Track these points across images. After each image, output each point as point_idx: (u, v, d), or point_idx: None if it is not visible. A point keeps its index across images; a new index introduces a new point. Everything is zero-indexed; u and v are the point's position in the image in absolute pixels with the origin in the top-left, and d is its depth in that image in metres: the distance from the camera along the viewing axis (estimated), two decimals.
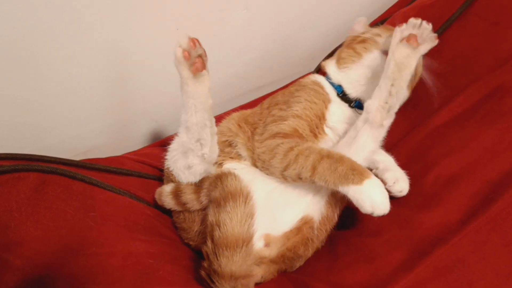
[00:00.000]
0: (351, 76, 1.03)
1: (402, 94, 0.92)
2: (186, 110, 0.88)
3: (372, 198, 0.82)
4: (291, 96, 1.02)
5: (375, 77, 0.97)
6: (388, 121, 0.92)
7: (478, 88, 1.09)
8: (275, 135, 0.95)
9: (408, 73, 0.90)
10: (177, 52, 0.83)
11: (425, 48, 0.92)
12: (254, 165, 0.99)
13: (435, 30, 1.27)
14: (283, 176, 0.91)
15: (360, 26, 1.09)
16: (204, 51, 0.85)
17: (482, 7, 1.25)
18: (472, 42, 1.20)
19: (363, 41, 1.03)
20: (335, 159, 0.86)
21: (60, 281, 0.78)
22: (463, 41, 1.21)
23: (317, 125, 0.99)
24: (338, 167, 0.84)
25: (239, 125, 1.04)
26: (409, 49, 0.89)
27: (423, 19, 1.30)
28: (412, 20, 0.92)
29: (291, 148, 0.91)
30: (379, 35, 1.02)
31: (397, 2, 1.50)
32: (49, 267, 0.79)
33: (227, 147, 1.01)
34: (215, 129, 0.92)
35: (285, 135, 0.95)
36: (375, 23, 1.46)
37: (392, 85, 0.89)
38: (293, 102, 0.99)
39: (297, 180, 0.89)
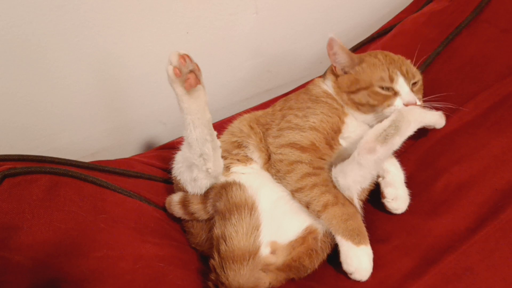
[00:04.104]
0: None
1: (403, 133, 0.89)
2: (185, 127, 0.88)
3: (360, 262, 0.88)
4: (305, 104, 1.02)
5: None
6: (383, 149, 0.87)
7: (488, 96, 1.09)
8: (292, 145, 0.96)
9: (414, 121, 0.90)
10: (168, 70, 0.81)
11: (432, 115, 1.02)
12: (265, 167, 0.99)
13: (444, 36, 1.28)
14: (293, 195, 0.93)
15: (337, 48, 1.02)
16: (197, 66, 0.83)
17: (492, 14, 1.24)
18: (482, 49, 1.20)
19: (361, 104, 1.01)
20: (349, 212, 0.89)
21: (70, 284, 0.79)
22: (472, 48, 1.21)
23: (333, 137, 0.99)
24: (349, 221, 0.88)
25: (250, 126, 1.04)
26: (417, 108, 0.96)
27: (432, 25, 1.32)
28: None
29: (309, 175, 0.92)
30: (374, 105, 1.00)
31: (407, 8, 1.50)
32: (60, 269, 0.80)
33: (235, 149, 1.01)
34: (218, 142, 0.92)
35: (302, 148, 0.95)
36: (384, 29, 1.46)
37: (393, 120, 0.89)
38: (309, 113, 1.00)
39: (304, 206, 0.92)
